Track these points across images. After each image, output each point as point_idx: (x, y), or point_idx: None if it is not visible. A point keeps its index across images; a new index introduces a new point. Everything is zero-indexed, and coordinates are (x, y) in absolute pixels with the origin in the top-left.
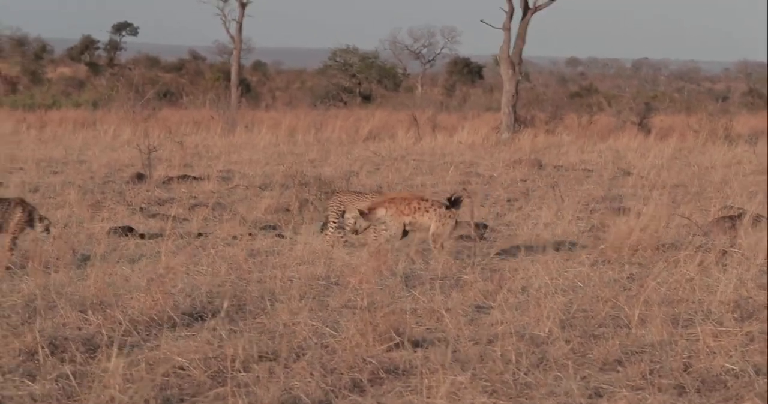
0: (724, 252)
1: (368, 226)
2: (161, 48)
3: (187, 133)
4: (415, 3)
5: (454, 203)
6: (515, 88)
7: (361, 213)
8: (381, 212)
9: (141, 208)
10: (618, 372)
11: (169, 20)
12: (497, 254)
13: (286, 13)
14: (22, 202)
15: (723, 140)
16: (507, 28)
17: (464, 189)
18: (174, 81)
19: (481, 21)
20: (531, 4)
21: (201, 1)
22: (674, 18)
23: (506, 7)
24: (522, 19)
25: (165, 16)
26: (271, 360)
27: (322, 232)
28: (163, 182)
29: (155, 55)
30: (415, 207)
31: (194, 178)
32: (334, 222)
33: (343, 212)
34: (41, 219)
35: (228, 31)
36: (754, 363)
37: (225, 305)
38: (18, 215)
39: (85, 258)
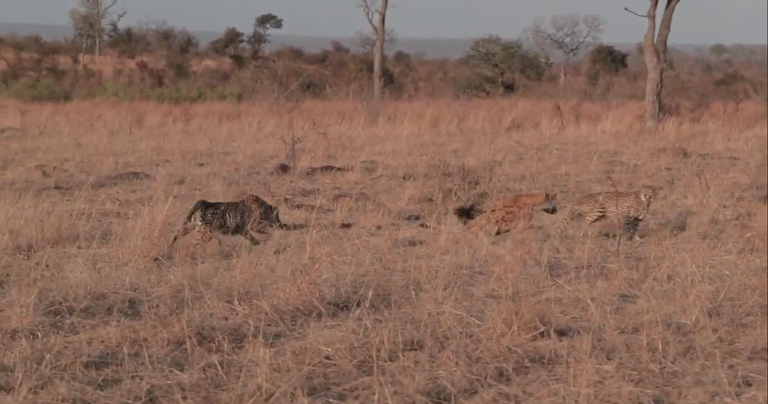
0: None
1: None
2: (304, 40)
3: (331, 124)
4: None
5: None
6: (660, 76)
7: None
8: None
9: (285, 199)
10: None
11: (313, 12)
12: (642, 243)
13: (429, 4)
14: (256, 199)
15: None
16: (651, 16)
17: (608, 178)
18: (317, 72)
19: (626, 9)
20: None
21: None
22: None
23: None
24: (667, 6)
25: (308, 8)
26: (416, 350)
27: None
28: (307, 173)
29: (298, 47)
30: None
31: (338, 168)
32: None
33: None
34: (272, 209)
35: (371, 22)
36: None
37: (369, 295)
38: (256, 211)
39: (231, 249)
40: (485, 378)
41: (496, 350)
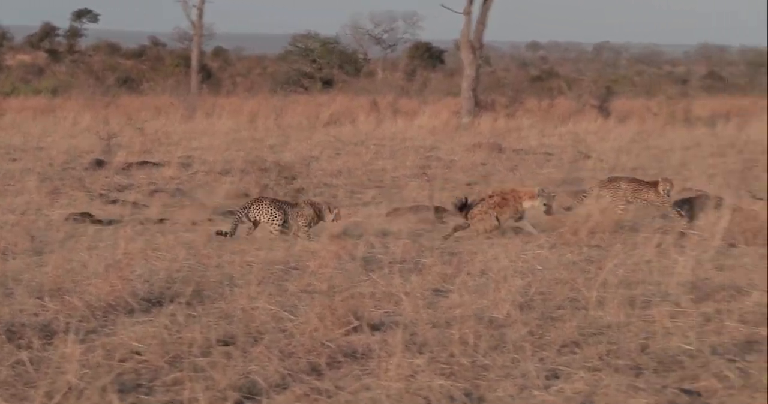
0: (683, 234)
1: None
2: (122, 34)
3: (147, 119)
4: None
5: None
6: (476, 73)
7: None
8: None
9: (100, 195)
10: (575, 353)
11: (130, 6)
12: (456, 238)
13: None
14: (310, 203)
15: (682, 123)
16: (468, 13)
17: (424, 173)
18: (134, 68)
19: (442, 5)
20: None
21: None
22: (636, 0)
23: None
24: (483, 3)
25: (125, 3)
26: (228, 345)
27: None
28: (123, 168)
29: (115, 42)
30: None
31: (154, 164)
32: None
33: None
34: (330, 209)
35: (188, 17)
36: (710, 343)
37: (186, 290)
38: (310, 213)
39: (44, 245)
40: (297, 372)
41: (309, 345)
